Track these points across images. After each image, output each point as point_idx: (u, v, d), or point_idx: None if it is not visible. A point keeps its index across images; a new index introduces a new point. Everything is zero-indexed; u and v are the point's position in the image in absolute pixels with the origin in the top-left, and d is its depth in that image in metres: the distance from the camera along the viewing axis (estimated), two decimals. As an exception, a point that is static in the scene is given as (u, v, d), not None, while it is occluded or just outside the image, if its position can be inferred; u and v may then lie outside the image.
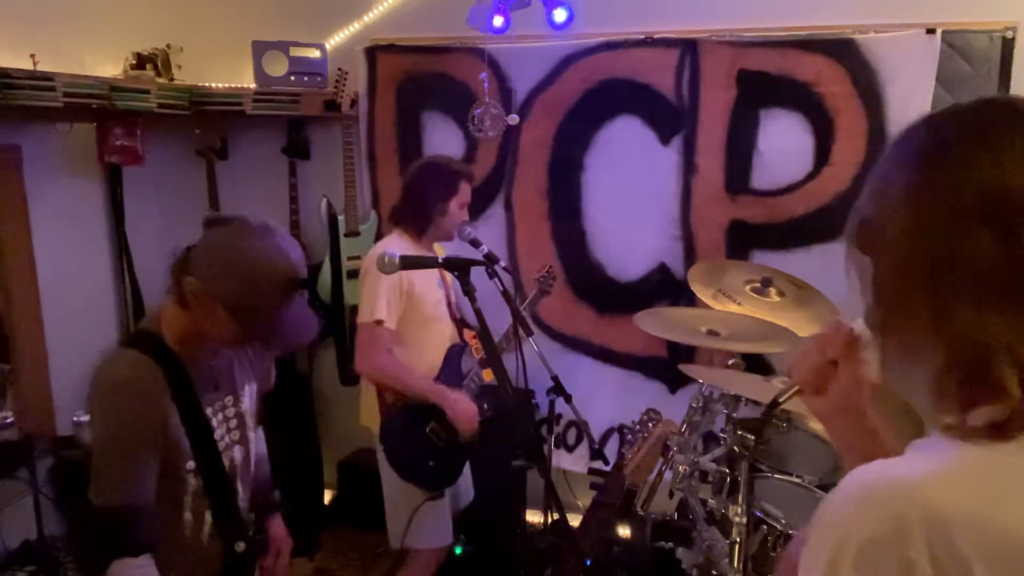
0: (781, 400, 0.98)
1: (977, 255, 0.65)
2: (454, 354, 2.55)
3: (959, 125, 0.70)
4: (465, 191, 2.50)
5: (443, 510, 2.53)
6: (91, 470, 1.45)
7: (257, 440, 1.90)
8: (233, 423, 1.66)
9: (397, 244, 2.45)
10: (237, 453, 1.68)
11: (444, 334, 2.55)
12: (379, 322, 2.34)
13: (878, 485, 0.66)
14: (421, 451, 2.45)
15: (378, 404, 2.50)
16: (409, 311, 2.42)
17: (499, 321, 2.50)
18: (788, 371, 0.97)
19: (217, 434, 1.61)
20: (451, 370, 2.53)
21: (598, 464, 2.40)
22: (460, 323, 2.65)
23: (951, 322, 0.67)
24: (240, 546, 1.68)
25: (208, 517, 1.63)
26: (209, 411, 1.59)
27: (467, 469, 2.74)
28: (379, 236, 3.42)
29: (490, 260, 2.23)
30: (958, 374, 0.67)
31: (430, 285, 2.49)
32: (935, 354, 0.69)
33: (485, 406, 2.55)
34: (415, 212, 2.47)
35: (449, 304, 2.59)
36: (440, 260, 1.95)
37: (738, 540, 2.04)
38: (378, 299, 2.34)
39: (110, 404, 1.46)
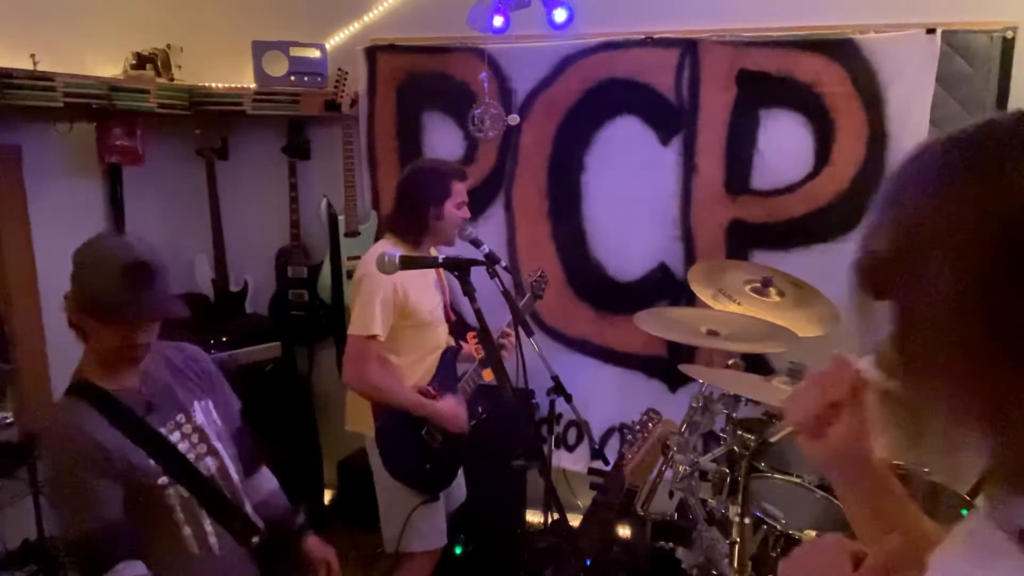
0: (772, 440, 0.92)
1: None
2: (448, 357, 2.55)
3: (1007, 140, 0.55)
4: (459, 191, 2.44)
5: (438, 513, 2.52)
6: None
7: (264, 478, 1.95)
8: (195, 438, 1.72)
9: (394, 249, 2.43)
10: (210, 463, 1.72)
11: (439, 339, 2.54)
12: (373, 336, 2.32)
13: None
14: (418, 454, 2.44)
15: (372, 408, 2.49)
16: (403, 319, 2.39)
17: (499, 321, 2.51)
18: (783, 409, 0.86)
19: (181, 448, 1.67)
20: (445, 374, 2.52)
21: (598, 464, 2.39)
22: (455, 325, 2.64)
23: (1019, 397, 0.52)
24: (255, 540, 1.71)
25: (208, 526, 1.67)
26: (164, 431, 1.66)
27: (460, 469, 2.74)
28: (379, 236, 3.41)
29: (491, 260, 2.22)
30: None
31: (426, 291, 2.46)
32: (983, 422, 0.55)
33: (480, 409, 2.55)
34: (410, 220, 2.41)
35: (445, 307, 2.58)
36: (440, 260, 1.94)
37: (738, 540, 2.04)
38: (374, 313, 2.30)
39: (45, 452, 1.62)
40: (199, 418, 1.74)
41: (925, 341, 0.57)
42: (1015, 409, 0.52)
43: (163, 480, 1.61)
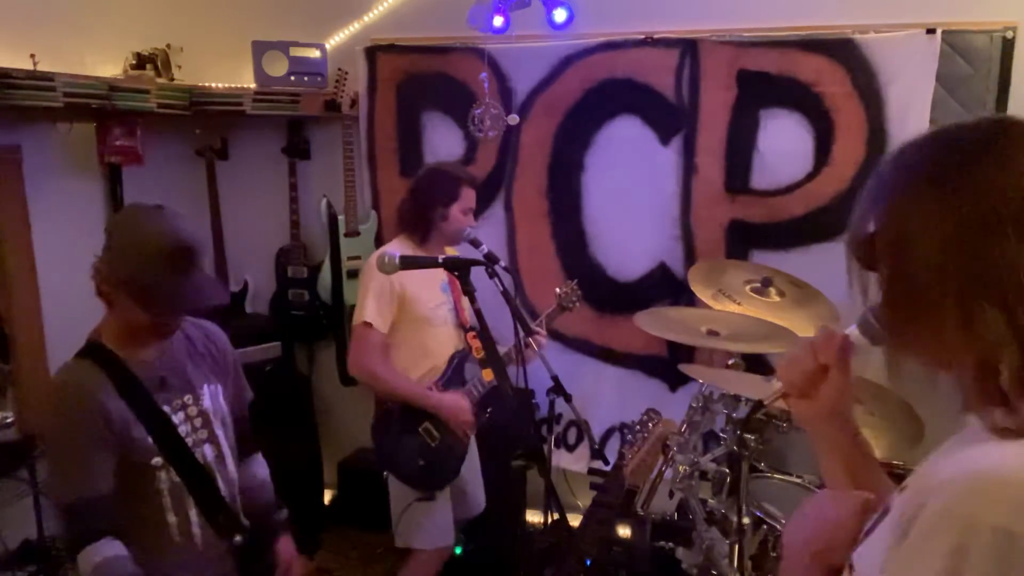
0: (767, 403, 0.99)
1: (1010, 260, 0.67)
2: (458, 360, 2.55)
3: (976, 139, 0.73)
4: (468, 197, 2.50)
5: (442, 510, 2.52)
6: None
7: (257, 464, 1.93)
8: (198, 421, 1.69)
9: (398, 249, 2.46)
10: (208, 450, 1.70)
11: (445, 339, 2.54)
12: (367, 324, 2.35)
13: (1005, 474, 0.65)
14: (411, 450, 2.45)
15: (374, 401, 2.51)
16: (402, 313, 2.42)
17: (499, 321, 2.50)
18: (778, 371, 0.98)
19: (182, 430, 1.64)
20: (455, 376, 2.53)
21: (598, 464, 2.40)
22: (468, 329, 2.64)
23: (987, 327, 0.68)
24: (238, 539, 1.69)
25: (193, 516, 1.65)
26: (168, 409, 1.63)
27: (478, 478, 2.74)
28: (379, 236, 3.42)
29: (490, 260, 2.23)
30: (1002, 375, 0.68)
31: (428, 288, 2.48)
32: (968, 359, 0.70)
33: (487, 412, 2.55)
34: (416, 218, 2.49)
35: (458, 310, 2.58)
36: (440, 260, 1.95)
37: (738, 540, 2.04)
38: (367, 302, 2.36)
39: (49, 409, 1.59)
40: (206, 402, 1.71)
41: (914, 294, 0.73)
42: (978, 341, 0.69)
43: (156, 461, 1.59)
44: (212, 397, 1.74)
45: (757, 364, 2.83)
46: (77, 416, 1.52)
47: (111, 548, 1.50)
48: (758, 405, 1.01)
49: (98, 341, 1.61)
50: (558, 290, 2.65)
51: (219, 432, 1.73)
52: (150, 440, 1.58)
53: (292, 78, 3.27)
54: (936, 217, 0.71)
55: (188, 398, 1.68)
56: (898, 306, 0.77)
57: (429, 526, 2.48)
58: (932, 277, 0.71)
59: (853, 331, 0.90)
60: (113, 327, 1.61)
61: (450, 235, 2.50)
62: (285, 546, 1.87)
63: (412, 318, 2.44)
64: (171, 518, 1.62)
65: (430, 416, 2.46)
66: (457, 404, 2.45)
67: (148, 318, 1.56)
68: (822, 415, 0.94)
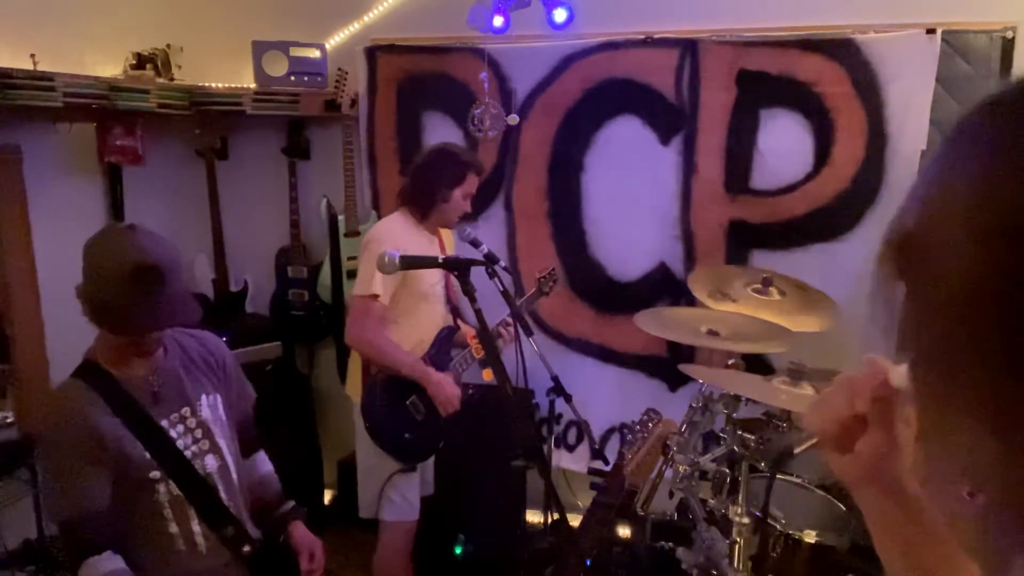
0: (796, 451, 0.80)
1: None
2: (444, 335, 2.59)
3: None
4: (471, 182, 2.54)
5: (413, 485, 2.57)
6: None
7: (260, 461, 1.95)
8: (198, 433, 1.70)
9: (398, 223, 2.52)
10: (210, 461, 1.71)
11: (436, 314, 2.59)
12: (374, 296, 2.38)
13: None
14: (398, 422, 2.48)
15: (362, 370, 2.52)
16: (402, 288, 2.45)
17: (498, 321, 2.51)
18: (804, 416, 0.73)
19: (181, 443, 1.65)
20: (440, 350, 2.57)
21: (598, 464, 2.40)
22: (455, 308, 2.69)
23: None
24: (246, 549, 1.69)
25: (196, 527, 1.65)
26: (166, 423, 1.65)
27: (430, 461, 2.77)
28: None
29: (490, 260, 2.23)
30: None
31: None
32: (995, 467, 0.42)
33: (470, 390, 2.58)
34: (420, 194, 2.52)
35: (448, 289, 2.63)
36: (440, 260, 1.96)
37: (738, 540, 2.04)
38: (374, 274, 2.36)
39: (42, 430, 1.62)
40: (204, 413, 1.73)
41: (932, 332, 0.45)
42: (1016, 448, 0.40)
43: (155, 474, 1.60)
44: (211, 407, 1.75)
45: (757, 364, 2.83)
46: (69, 436, 1.54)
47: (111, 563, 1.52)
48: (788, 453, 0.82)
49: (92, 360, 1.64)
50: (538, 274, 2.74)
51: (221, 442, 1.74)
52: (147, 455, 1.60)
53: (292, 78, 3.27)
54: (987, 217, 0.40)
55: (186, 410, 1.70)
56: (912, 343, 0.48)
57: (399, 500, 2.53)
58: (959, 313, 0.42)
59: (900, 373, 0.57)
60: (103, 345, 1.64)
61: (447, 217, 2.55)
62: (299, 531, 1.88)
63: (412, 293, 2.48)
64: (173, 528, 1.63)
65: (417, 390, 2.49)
66: (451, 392, 2.48)
67: (124, 338, 1.59)
68: (862, 477, 0.68)
